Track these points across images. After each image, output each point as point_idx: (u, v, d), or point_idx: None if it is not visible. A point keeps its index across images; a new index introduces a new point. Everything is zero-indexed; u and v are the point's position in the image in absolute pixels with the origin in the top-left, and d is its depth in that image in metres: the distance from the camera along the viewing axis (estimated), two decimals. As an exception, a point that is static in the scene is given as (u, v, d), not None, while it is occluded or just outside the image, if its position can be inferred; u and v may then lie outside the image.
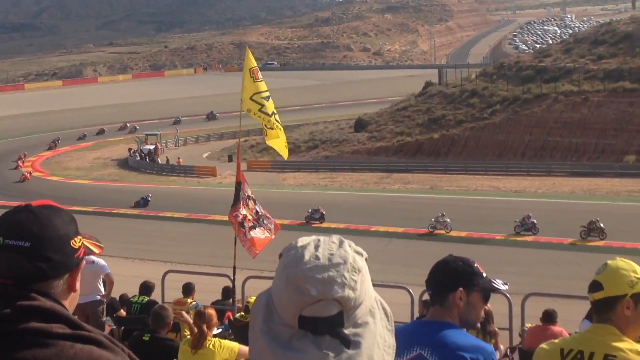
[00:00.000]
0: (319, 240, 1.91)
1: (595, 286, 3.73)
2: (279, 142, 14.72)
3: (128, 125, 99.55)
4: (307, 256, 1.85)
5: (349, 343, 1.83)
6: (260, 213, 14.41)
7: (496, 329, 12.75)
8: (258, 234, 14.12)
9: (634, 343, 3.68)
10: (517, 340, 13.38)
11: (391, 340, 1.95)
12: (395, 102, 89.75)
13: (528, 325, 12.85)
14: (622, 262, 3.79)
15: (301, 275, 1.82)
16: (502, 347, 12.87)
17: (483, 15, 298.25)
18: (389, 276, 23.21)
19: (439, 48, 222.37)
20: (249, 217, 14.12)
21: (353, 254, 1.89)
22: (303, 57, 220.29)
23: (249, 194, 14.47)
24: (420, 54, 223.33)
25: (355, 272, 1.85)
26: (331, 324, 1.82)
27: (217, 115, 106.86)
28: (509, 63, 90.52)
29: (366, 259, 1.93)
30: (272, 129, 14.44)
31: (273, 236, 14.41)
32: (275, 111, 14.42)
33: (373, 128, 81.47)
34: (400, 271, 26.95)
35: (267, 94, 14.40)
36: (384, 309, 1.96)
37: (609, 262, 3.79)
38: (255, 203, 14.43)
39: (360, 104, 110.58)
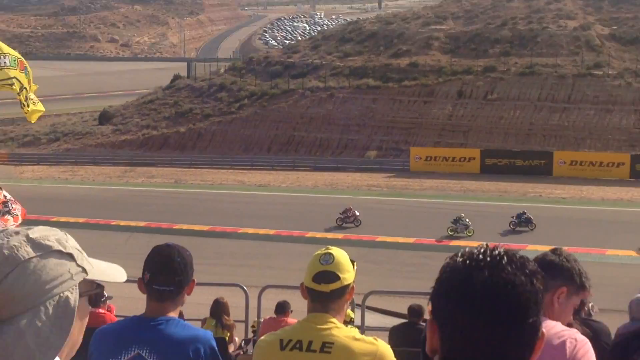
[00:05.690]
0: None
1: (330, 277, 3.64)
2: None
3: None
4: None
5: None
6: (8, 198, 13.28)
7: (232, 321, 12.58)
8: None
9: (350, 329, 3.73)
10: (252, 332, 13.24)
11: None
12: (142, 95, 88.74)
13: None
14: (341, 250, 3.77)
15: None
16: (237, 339, 12.77)
17: (234, 10, 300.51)
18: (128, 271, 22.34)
19: (189, 41, 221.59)
20: None
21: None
22: (47, 46, 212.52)
23: None
24: (170, 46, 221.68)
25: None
26: None
27: None
28: (258, 58, 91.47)
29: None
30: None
31: (19, 220, 13.35)
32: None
33: (118, 121, 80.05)
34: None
35: None
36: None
37: (332, 251, 3.72)
38: (1, 189, 13.28)
39: (106, 96, 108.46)
